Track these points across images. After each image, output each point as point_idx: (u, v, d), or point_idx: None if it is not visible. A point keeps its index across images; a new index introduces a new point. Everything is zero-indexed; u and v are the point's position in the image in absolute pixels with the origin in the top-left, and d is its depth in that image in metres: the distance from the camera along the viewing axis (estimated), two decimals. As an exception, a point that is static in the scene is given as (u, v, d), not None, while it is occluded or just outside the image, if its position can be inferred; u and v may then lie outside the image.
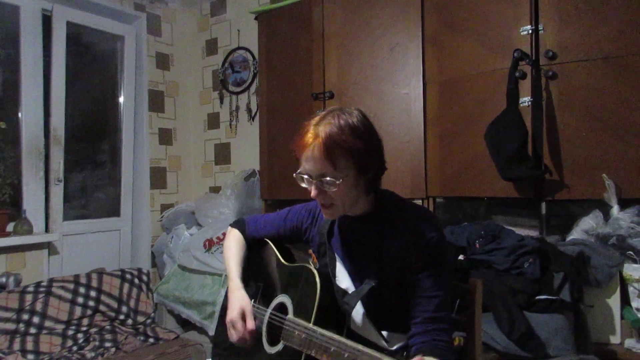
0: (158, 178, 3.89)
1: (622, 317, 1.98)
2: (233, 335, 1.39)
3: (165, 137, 3.95)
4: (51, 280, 2.69)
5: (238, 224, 1.65)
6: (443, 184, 2.53)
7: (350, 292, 1.29)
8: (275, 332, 1.33)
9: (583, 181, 2.12)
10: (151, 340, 2.67)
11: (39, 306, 2.53)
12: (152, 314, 2.92)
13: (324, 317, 1.22)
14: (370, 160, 1.24)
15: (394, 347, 1.26)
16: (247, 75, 3.77)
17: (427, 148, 2.56)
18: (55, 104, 3.21)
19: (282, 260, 1.48)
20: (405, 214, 1.29)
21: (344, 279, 1.33)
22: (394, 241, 1.27)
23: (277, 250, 1.53)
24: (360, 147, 1.20)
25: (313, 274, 1.28)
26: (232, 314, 1.39)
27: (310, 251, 1.54)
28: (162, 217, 3.83)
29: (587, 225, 2.12)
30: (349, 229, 1.38)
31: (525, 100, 2.19)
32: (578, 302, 1.92)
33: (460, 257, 2.14)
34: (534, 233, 2.34)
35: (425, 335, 1.19)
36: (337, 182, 1.20)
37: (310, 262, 1.48)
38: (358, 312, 1.28)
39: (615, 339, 1.98)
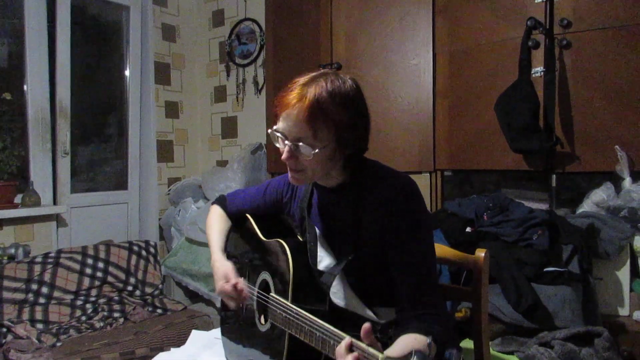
0: (165, 151, 3.88)
1: (631, 290, 1.96)
2: (230, 303, 1.35)
3: (172, 110, 3.93)
4: (59, 252, 2.70)
5: (219, 201, 1.60)
6: (452, 157, 2.50)
7: (331, 264, 1.25)
8: (264, 310, 1.32)
9: (595, 153, 2.08)
10: (159, 311, 2.69)
11: (47, 276, 2.54)
12: (160, 286, 2.93)
13: (302, 294, 1.20)
14: (354, 137, 1.15)
15: (384, 321, 1.23)
16: (254, 47, 3.72)
17: (435, 120, 2.52)
18: (60, 75, 3.19)
19: (260, 236, 1.42)
20: (382, 185, 1.20)
21: (325, 255, 1.28)
22: (370, 214, 1.19)
23: (256, 224, 1.48)
24: (346, 121, 1.11)
25: (285, 249, 1.25)
26: (219, 283, 1.34)
27: None
28: (169, 191, 3.84)
29: (598, 198, 2.09)
30: (327, 202, 1.30)
31: (537, 70, 2.14)
32: (587, 274, 1.90)
33: (468, 229, 2.12)
34: (543, 206, 2.31)
35: (411, 310, 1.12)
36: (313, 151, 1.11)
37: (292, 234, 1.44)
38: (340, 288, 1.24)
39: (624, 311, 1.97)
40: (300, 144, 1.11)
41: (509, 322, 1.82)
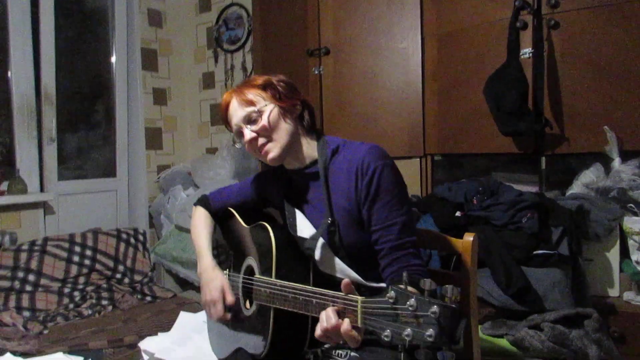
0: (153, 138, 3.84)
1: (621, 270, 1.96)
2: (213, 315, 1.36)
3: (160, 97, 3.88)
4: (46, 239, 2.67)
5: (202, 202, 1.61)
6: (441, 141, 2.49)
7: (311, 234, 1.27)
8: (250, 295, 1.32)
9: (584, 134, 2.07)
10: (148, 298, 2.68)
11: (34, 264, 2.52)
12: (150, 273, 2.91)
13: (286, 269, 1.21)
14: (287, 93, 1.29)
15: (372, 284, 1.23)
16: (241, 33, 3.67)
17: (425, 104, 2.50)
18: (45, 61, 3.14)
19: (243, 223, 1.44)
20: (349, 151, 1.26)
21: (305, 228, 1.30)
22: (340, 181, 1.25)
23: (239, 215, 1.50)
24: (271, 82, 1.29)
25: (266, 228, 1.27)
26: (213, 293, 1.35)
27: None
28: (158, 178, 3.80)
29: (587, 179, 2.08)
30: (301, 182, 1.35)
31: (526, 51, 2.13)
32: (576, 256, 1.90)
33: (458, 213, 2.11)
34: (533, 189, 2.31)
35: (394, 265, 1.17)
36: (259, 111, 1.24)
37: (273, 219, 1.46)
38: (324, 255, 1.24)
39: (613, 292, 1.97)
40: (249, 116, 1.25)
41: (498, 305, 1.81)
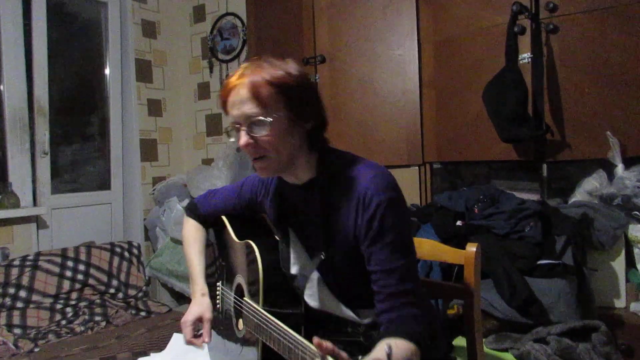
0: (149, 150, 3.78)
1: (627, 280, 1.91)
2: (185, 336, 1.33)
3: (155, 108, 3.83)
4: (38, 254, 2.61)
5: (191, 210, 1.52)
6: (440, 149, 2.45)
7: (306, 265, 1.19)
8: (240, 314, 1.27)
9: (586, 140, 2.03)
10: (143, 313, 2.61)
11: (25, 280, 2.46)
12: (144, 288, 2.85)
13: (274, 298, 1.15)
14: (305, 103, 1.10)
15: (366, 322, 1.17)
16: (236, 43, 3.63)
17: (423, 112, 2.47)
18: (37, 74, 3.08)
19: (234, 237, 1.37)
20: (351, 176, 1.10)
21: (298, 256, 1.21)
22: (340, 209, 1.11)
23: (231, 226, 1.42)
24: (292, 84, 1.07)
25: (254, 251, 1.19)
26: (188, 318, 1.31)
27: None
28: (154, 190, 3.74)
29: (590, 186, 2.04)
30: (297, 199, 1.22)
31: (524, 57, 2.10)
32: (581, 266, 1.85)
33: (459, 222, 2.06)
34: (534, 197, 2.26)
35: (391, 312, 1.05)
36: (267, 120, 1.05)
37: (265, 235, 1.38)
38: (316, 290, 1.17)
39: (620, 303, 1.92)
40: (253, 124, 1.06)
41: (502, 318, 1.77)
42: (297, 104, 1.08)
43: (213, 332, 1.46)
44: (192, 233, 1.48)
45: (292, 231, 1.23)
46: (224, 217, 1.45)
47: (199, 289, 1.38)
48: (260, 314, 1.08)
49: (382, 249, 1.06)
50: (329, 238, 1.13)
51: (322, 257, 1.13)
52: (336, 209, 1.12)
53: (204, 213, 1.49)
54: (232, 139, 1.12)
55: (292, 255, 1.20)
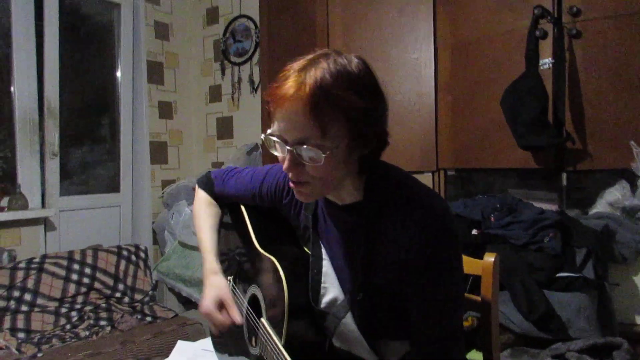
0: (159, 153, 3.76)
1: (650, 296, 1.83)
2: (212, 328, 1.16)
3: (166, 110, 3.81)
4: (44, 257, 2.58)
5: (205, 184, 1.36)
6: (455, 156, 2.38)
7: (338, 300, 1.04)
8: (253, 331, 1.15)
9: (608, 149, 1.96)
10: (148, 318, 2.57)
11: (30, 283, 2.43)
12: (150, 292, 2.81)
13: (298, 334, 1.01)
14: (371, 128, 0.90)
15: None
16: (249, 45, 3.60)
17: (438, 117, 2.40)
18: (48, 75, 3.07)
19: (254, 241, 1.20)
20: (405, 209, 0.93)
21: (331, 286, 1.05)
22: (387, 244, 0.95)
23: (251, 223, 1.25)
24: (360, 108, 0.86)
25: (280, 277, 1.01)
26: (207, 304, 1.14)
27: None
28: (163, 193, 3.71)
29: (612, 197, 1.96)
30: (337, 219, 1.05)
31: (545, 62, 2.02)
32: (602, 280, 1.77)
33: (474, 231, 2.00)
34: (552, 207, 2.19)
35: None
36: (324, 154, 0.85)
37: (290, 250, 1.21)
38: (345, 329, 1.03)
39: (641, 319, 1.84)
40: (305, 146, 0.86)
41: (519, 332, 1.69)
42: (362, 129, 0.88)
43: (221, 341, 1.40)
44: (204, 207, 1.33)
45: (326, 254, 1.07)
46: (242, 208, 1.30)
47: (210, 267, 1.22)
48: (280, 352, 0.97)
49: (430, 290, 0.92)
50: (369, 274, 0.98)
51: (360, 297, 0.99)
52: (382, 242, 0.95)
53: (218, 193, 1.33)
54: (276, 153, 0.92)
55: (322, 286, 1.05)
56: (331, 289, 1.04)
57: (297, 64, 0.89)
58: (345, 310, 1.02)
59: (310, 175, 0.90)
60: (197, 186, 1.39)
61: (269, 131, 0.91)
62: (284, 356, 0.95)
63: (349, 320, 1.02)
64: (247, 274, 1.25)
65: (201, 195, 1.36)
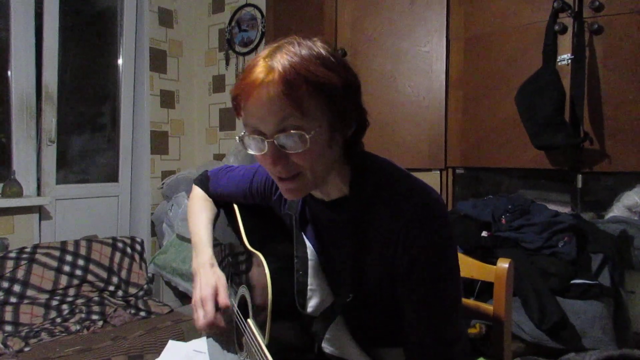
0: (159, 143, 3.67)
1: (667, 306, 1.74)
2: (200, 319, 1.05)
3: (168, 99, 3.72)
4: (36, 247, 2.49)
5: (201, 181, 1.32)
6: (465, 154, 2.29)
7: (327, 303, 0.97)
8: (241, 333, 1.08)
9: (627, 151, 1.86)
10: (142, 314, 2.48)
11: (20, 273, 2.34)
12: (145, 286, 2.72)
13: (284, 336, 0.94)
14: (350, 104, 0.85)
15: None
16: (254, 35, 3.51)
17: (448, 113, 2.31)
18: (47, 60, 2.98)
19: (244, 237, 1.13)
20: (393, 201, 0.87)
21: (318, 288, 0.98)
22: (376, 241, 0.89)
23: (242, 219, 1.19)
24: (336, 83, 0.81)
25: (265, 274, 0.95)
26: (204, 290, 1.06)
27: None
28: (163, 184, 3.63)
29: (630, 201, 1.88)
30: (323, 218, 0.99)
31: (564, 57, 1.93)
32: (618, 288, 1.69)
33: (484, 233, 1.91)
34: (565, 209, 2.10)
35: None
36: (308, 136, 0.80)
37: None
38: (335, 333, 0.97)
39: (658, 330, 1.75)
40: (285, 133, 0.80)
41: (530, 341, 1.61)
42: (341, 107, 0.83)
43: (212, 340, 1.32)
44: (200, 203, 1.30)
45: (313, 254, 1.01)
46: (235, 207, 1.25)
47: (207, 258, 1.15)
48: (262, 353, 0.90)
49: (421, 299, 0.86)
50: (358, 274, 0.91)
51: (349, 299, 0.92)
52: (371, 239, 0.90)
53: (212, 191, 1.30)
54: (255, 152, 0.85)
55: (309, 288, 0.98)
56: (319, 291, 0.98)
57: (262, 53, 0.85)
58: (333, 313, 0.95)
59: (297, 165, 0.84)
60: (193, 184, 1.36)
61: (243, 132, 0.86)
62: (266, 356, 0.88)
63: (339, 324, 0.97)
64: (238, 275, 1.18)
65: (196, 192, 1.33)
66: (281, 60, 0.80)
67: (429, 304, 0.86)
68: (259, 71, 0.81)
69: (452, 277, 0.88)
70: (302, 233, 1.03)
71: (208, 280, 1.09)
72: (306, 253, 1.01)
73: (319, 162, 0.85)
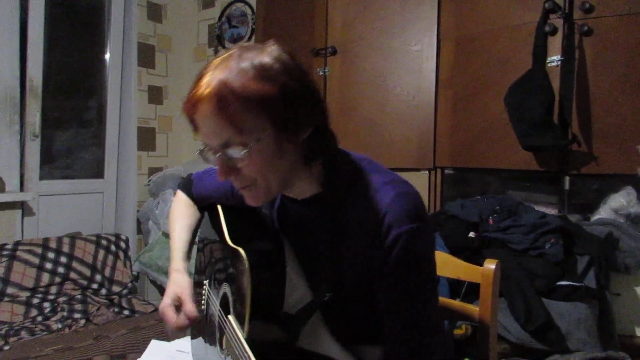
0: (146, 139, 3.62)
1: (652, 308, 1.74)
2: (167, 328, 1.06)
3: (155, 95, 3.67)
4: (17, 243, 2.45)
5: (184, 185, 1.30)
6: (454, 154, 2.28)
7: (305, 300, 0.97)
8: (222, 331, 1.06)
9: (615, 153, 1.87)
10: (126, 312, 2.45)
11: (0, 271, 2.29)
12: (130, 284, 2.69)
13: (263, 331, 0.92)
14: (295, 111, 0.83)
15: None
16: (245, 31, 3.48)
17: (437, 113, 2.31)
18: (32, 52, 2.93)
19: (227, 239, 1.10)
20: (367, 193, 0.88)
21: (296, 285, 0.98)
22: (351, 234, 0.90)
23: (225, 218, 1.18)
24: (272, 94, 0.80)
25: (245, 271, 0.92)
26: (164, 301, 1.06)
27: None
28: (149, 181, 3.58)
29: (616, 204, 1.87)
30: (298, 215, 1.00)
31: (554, 59, 1.93)
32: (604, 290, 1.69)
33: (471, 234, 1.90)
34: (552, 211, 2.10)
35: None
36: (245, 150, 0.81)
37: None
38: (314, 329, 0.97)
39: (643, 332, 1.75)
40: (227, 149, 0.82)
41: (515, 342, 1.61)
42: (284, 115, 0.82)
43: (196, 341, 1.29)
44: (181, 208, 1.28)
45: (290, 250, 1.01)
46: (219, 208, 1.23)
47: (174, 266, 1.16)
48: (242, 349, 0.88)
49: (397, 294, 0.86)
50: (336, 270, 0.92)
51: (327, 297, 0.92)
52: (346, 234, 0.90)
53: (196, 195, 1.28)
54: (210, 164, 0.89)
55: (287, 285, 0.97)
56: (297, 289, 0.98)
57: (214, 62, 0.85)
58: (312, 310, 0.95)
59: (248, 176, 0.86)
60: (177, 189, 1.34)
61: (200, 148, 0.88)
62: (244, 349, 0.86)
63: (317, 321, 0.96)
64: (221, 273, 1.16)
65: (179, 197, 1.31)
66: (218, 76, 0.81)
67: (405, 293, 0.86)
68: (197, 88, 0.82)
69: (428, 267, 0.89)
70: (280, 231, 1.04)
71: (170, 290, 1.08)
72: (284, 251, 1.00)
73: (269, 171, 0.86)
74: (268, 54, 0.83)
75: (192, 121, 0.86)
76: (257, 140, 0.81)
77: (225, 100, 0.79)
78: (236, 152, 0.82)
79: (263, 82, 0.80)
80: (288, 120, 0.83)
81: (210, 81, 0.81)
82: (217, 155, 0.84)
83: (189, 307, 1.04)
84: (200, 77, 0.83)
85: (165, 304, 1.06)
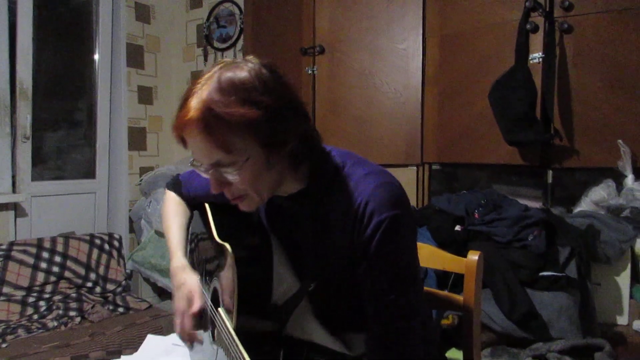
0: (137, 139, 3.65)
1: (631, 297, 1.81)
2: (177, 329, 1.07)
3: (145, 95, 3.70)
4: (12, 244, 2.47)
5: (173, 185, 1.32)
6: (440, 150, 2.34)
7: (292, 291, 1.01)
8: (214, 326, 1.09)
9: (595, 147, 1.93)
10: (121, 310, 2.48)
11: (-4, 271, 2.32)
12: (123, 282, 2.72)
13: (251, 321, 0.96)
14: (280, 128, 0.86)
15: (358, 354, 1.02)
16: (233, 31, 3.51)
17: (424, 109, 2.36)
18: (21, 54, 2.94)
19: (214, 231, 1.15)
20: (349, 184, 0.92)
21: (284, 275, 1.02)
22: (334, 225, 0.93)
23: (213, 216, 1.21)
24: (256, 117, 0.83)
25: (233, 261, 0.96)
26: (179, 302, 1.07)
27: None
28: (141, 181, 3.61)
29: (597, 196, 1.93)
30: (284, 210, 1.04)
31: (535, 56, 1.99)
32: (585, 280, 1.74)
33: (457, 227, 1.95)
34: (536, 204, 2.16)
35: (381, 352, 0.91)
36: (237, 170, 0.85)
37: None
38: (301, 320, 1.00)
39: (622, 320, 1.81)
40: (217, 168, 0.86)
41: (500, 331, 1.66)
42: (270, 133, 0.85)
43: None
44: (172, 207, 1.30)
45: (277, 243, 1.05)
46: (207, 207, 1.26)
47: (178, 263, 1.17)
48: (231, 338, 0.92)
49: (378, 278, 0.89)
50: (321, 260, 0.96)
51: (312, 287, 0.96)
52: (330, 226, 0.94)
53: (185, 195, 1.30)
54: (206, 176, 0.91)
55: (274, 276, 1.01)
56: (284, 280, 1.01)
57: (193, 87, 0.86)
58: (298, 300, 0.99)
59: (239, 188, 0.89)
60: (166, 189, 1.36)
61: (192, 158, 0.91)
62: (233, 338, 0.90)
63: (305, 309, 1.00)
64: (211, 268, 1.20)
65: (169, 196, 1.33)
66: (203, 99, 0.83)
67: (386, 277, 0.89)
68: (183, 111, 0.84)
69: (409, 253, 0.93)
70: (267, 225, 1.07)
71: (182, 292, 1.09)
72: (270, 244, 1.04)
73: (260, 183, 0.89)
74: (248, 72, 0.85)
75: (182, 140, 0.88)
76: (246, 159, 0.85)
77: (211, 126, 0.82)
78: (227, 170, 0.86)
79: (246, 107, 0.83)
80: (274, 137, 0.86)
81: (196, 105, 0.83)
82: (209, 172, 0.88)
83: (196, 304, 1.06)
84: (186, 99, 0.85)
85: (181, 308, 1.07)
